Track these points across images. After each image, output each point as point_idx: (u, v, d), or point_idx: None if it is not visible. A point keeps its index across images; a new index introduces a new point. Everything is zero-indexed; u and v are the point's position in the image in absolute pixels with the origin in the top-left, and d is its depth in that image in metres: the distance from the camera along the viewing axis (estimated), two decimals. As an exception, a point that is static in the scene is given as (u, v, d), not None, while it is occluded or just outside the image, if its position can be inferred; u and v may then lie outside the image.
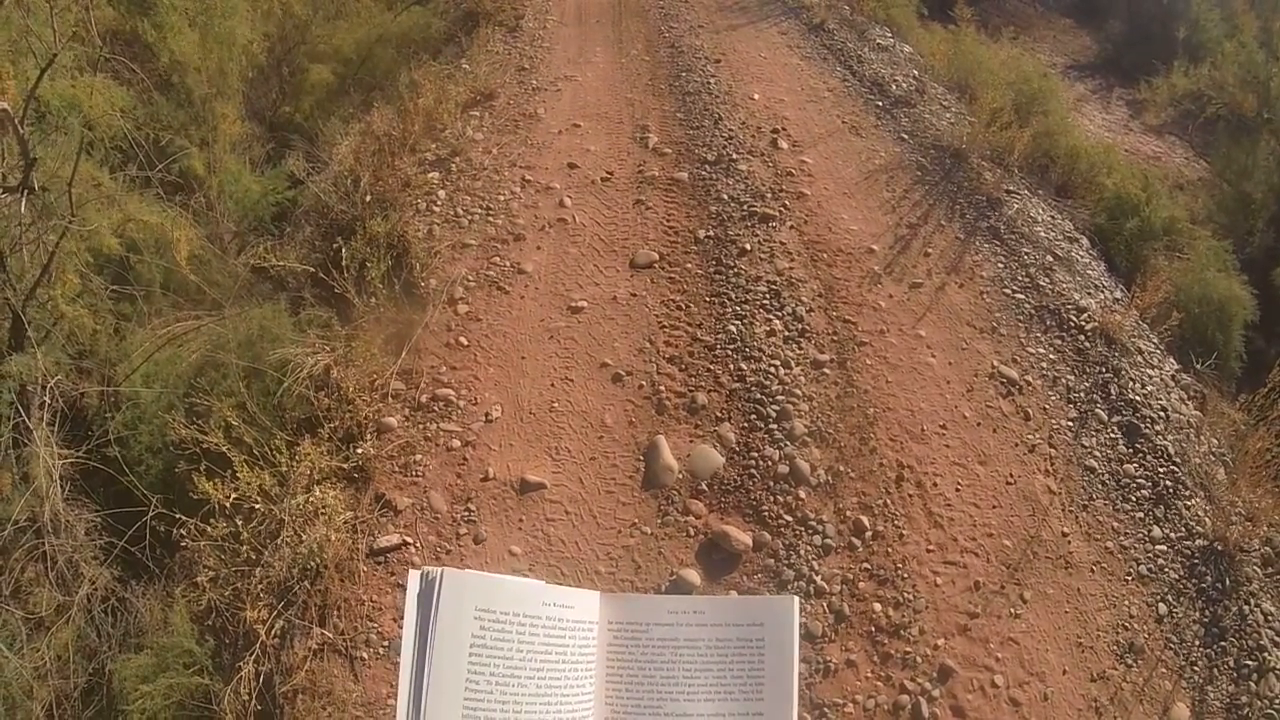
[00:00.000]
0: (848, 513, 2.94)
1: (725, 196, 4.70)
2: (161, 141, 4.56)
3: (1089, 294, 4.41)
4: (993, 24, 12.77)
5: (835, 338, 3.73)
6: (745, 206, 4.61)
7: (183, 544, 2.69)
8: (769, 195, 4.76)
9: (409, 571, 0.81)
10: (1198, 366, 4.23)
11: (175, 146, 4.65)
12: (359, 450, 3.02)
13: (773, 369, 3.49)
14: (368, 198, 4.32)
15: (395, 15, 7.14)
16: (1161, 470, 3.33)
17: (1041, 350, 3.87)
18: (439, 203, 4.64)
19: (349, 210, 4.25)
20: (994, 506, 3.05)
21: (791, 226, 4.49)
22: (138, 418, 3.31)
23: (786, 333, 3.71)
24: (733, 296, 3.92)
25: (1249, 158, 7.99)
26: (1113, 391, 3.68)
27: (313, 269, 3.77)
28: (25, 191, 3.07)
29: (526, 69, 6.69)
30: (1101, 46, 14.14)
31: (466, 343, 3.64)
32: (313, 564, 2.63)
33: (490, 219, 4.49)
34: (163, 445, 3.17)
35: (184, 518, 2.63)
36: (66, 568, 2.84)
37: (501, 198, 4.68)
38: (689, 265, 4.15)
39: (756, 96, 6.15)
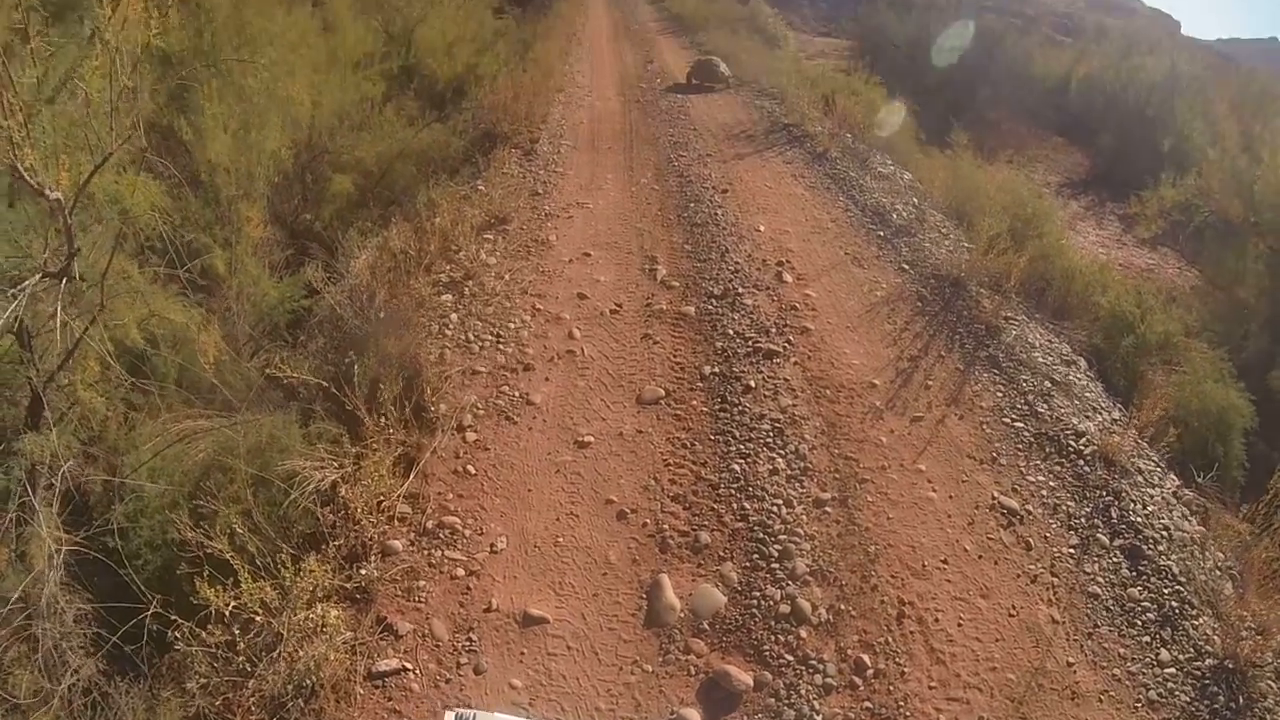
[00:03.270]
0: (849, 651, 2.99)
1: (731, 332, 4.92)
2: (187, 236, 4.85)
3: (1087, 417, 4.56)
4: (989, 146, 13.31)
5: (837, 475, 3.85)
6: (750, 342, 4.82)
7: (176, 646, 2.72)
8: (773, 330, 4.97)
9: (444, 712, 0.95)
10: (1199, 480, 4.29)
11: (200, 243, 4.93)
12: (363, 571, 3.11)
13: (775, 508, 3.60)
14: (382, 314, 4.55)
15: (416, 131, 7.61)
16: (1166, 591, 3.39)
17: (1041, 478, 3.98)
18: (451, 326, 4.87)
19: (363, 326, 4.47)
20: (997, 640, 3.10)
21: (795, 362, 4.68)
22: (140, 510, 3.39)
23: (789, 471, 3.83)
24: (737, 434, 4.07)
25: (1239, 262, 8.26)
26: (1114, 515, 3.78)
27: (325, 383, 3.96)
28: (65, 279, 3.28)
29: (540, 194, 7.09)
30: (1093, 163, 14.81)
31: (474, 471, 3.77)
32: (309, 682, 2.67)
33: (500, 347, 4.71)
34: (163, 542, 3.24)
35: (180, 620, 2.67)
36: (53, 653, 2.86)
37: (512, 325, 4.92)
38: (694, 402, 4.31)
39: (762, 228, 6.49)
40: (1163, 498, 4.05)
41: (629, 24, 21.19)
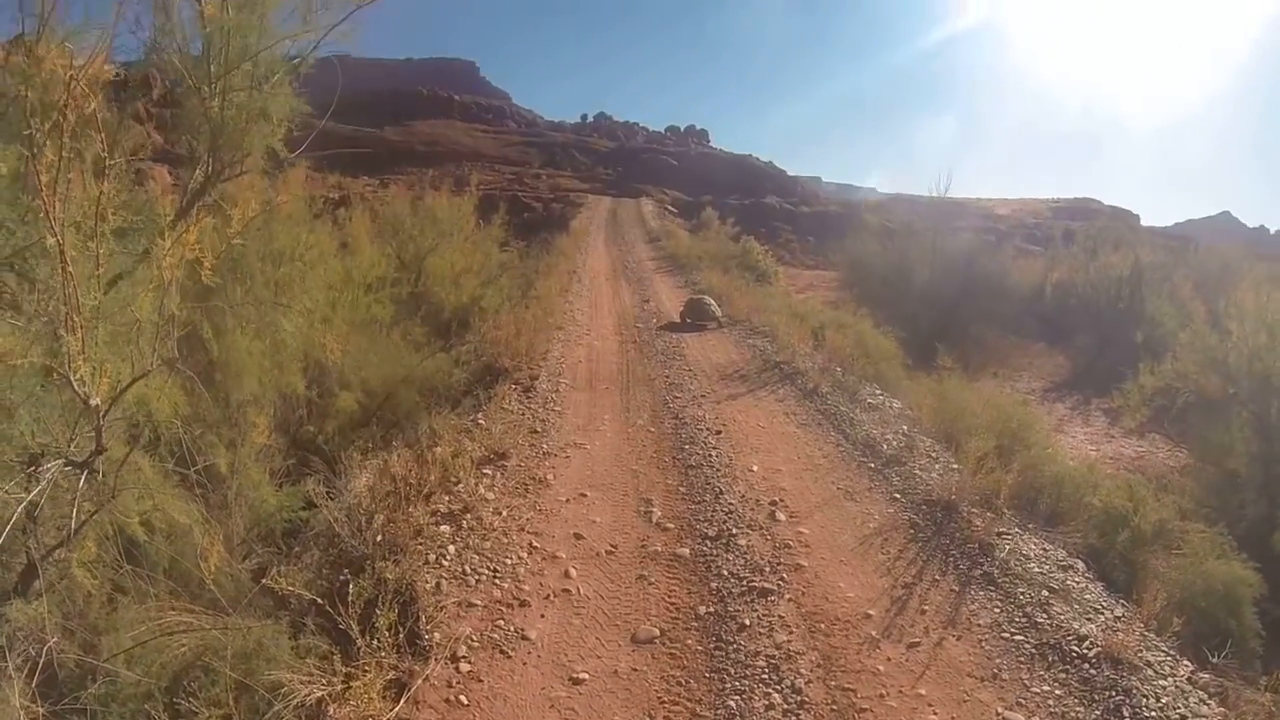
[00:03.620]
0: None
1: (725, 572, 4.95)
2: (195, 431, 5.04)
3: (1088, 619, 4.54)
4: (974, 362, 13.95)
5: (835, 707, 3.79)
6: (744, 581, 4.84)
7: None
8: (767, 569, 5.01)
9: None
10: (1214, 660, 4.24)
11: (206, 441, 5.12)
12: (348, 799, 3.04)
13: (772, 744, 3.49)
14: (380, 538, 4.67)
15: (421, 359, 8.05)
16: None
17: (1046, 688, 3.92)
18: (448, 557, 4.92)
19: (360, 546, 4.56)
20: None
21: (789, 599, 4.68)
22: (113, 695, 3.32)
23: (785, 705, 3.78)
24: (732, 672, 4.02)
25: (1225, 435, 8.34)
26: (1126, 714, 3.71)
27: (319, 599, 4.01)
28: (87, 471, 3.45)
29: (539, 432, 7.32)
30: (1074, 363, 15.50)
31: (467, 702, 3.69)
32: None
33: (497, 581, 4.74)
34: (134, 731, 3.16)
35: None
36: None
37: (509, 561, 4.97)
38: (689, 641, 4.28)
39: (755, 468, 6.64)
40: (1176, 686, 4.02)
41: (627, 262, 22.57)
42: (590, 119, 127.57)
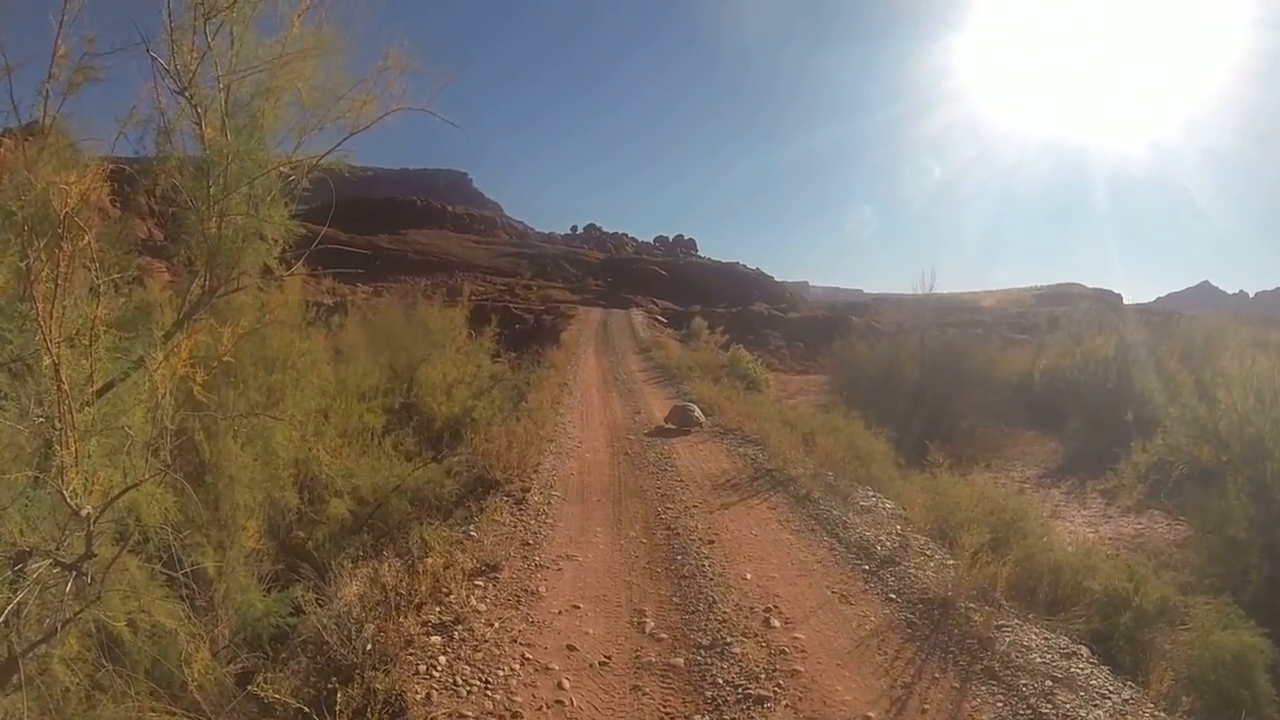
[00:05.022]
0: None
1: (720, 681, 4.92)
2: (184, 534, 5.05)
3: (1095, 705, 4.54)
4: (966, 456, 13.92)
5: None
6: (740, 689, 4.81)
7: None
8: (763, 676, 4.98)
9: None
10: None
11: (194, 543, 5.13)
12: None
13: None
14: (369, 647, 4.66)
15: (413, 468, 8.11)
16: None
17: None
18: (439, 668, 4.89)
19: (349, 655, 4.55)
20: None
21: (786, 705, 4.66)
22: None
23: None
24: None
25: (1222, 502, 8.29)
26: None
27: (305, 707, 3.99)
28: (75, 574, 3.49)
29: (530, 544, 7.33)
30: (1067, 448, 15.45)
31: None
32: None
33: (489, 693, 4.69)
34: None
35: None
36: None
37: (501, 673, 4.92)
38: None
39: (749, 576, 6.64)
40: None
41: (618, 374, 22.82)
42: (580, 230, 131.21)
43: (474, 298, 20.65)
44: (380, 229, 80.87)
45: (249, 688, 4.13)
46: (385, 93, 5.18)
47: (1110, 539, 9.90)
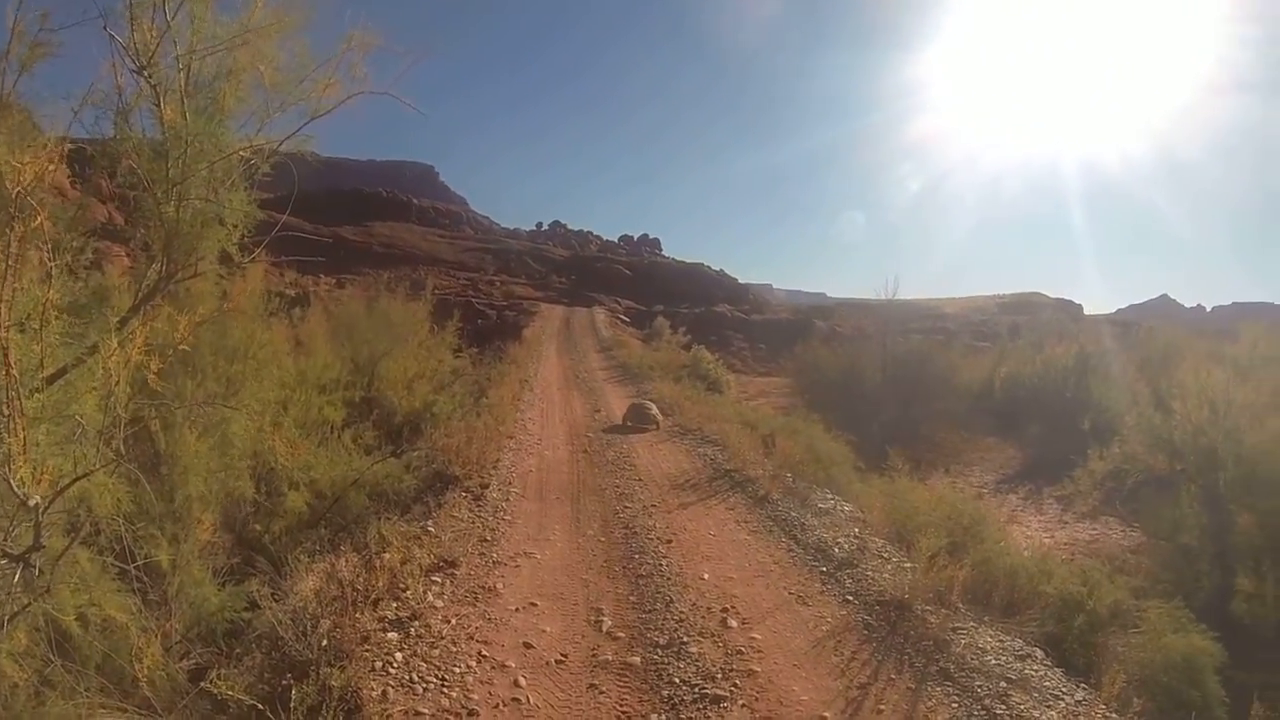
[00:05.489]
0: None
1: (677, 680, 4.92)
2: (137, 526, 4.95)
3: (1048, 706, 4.60)
4: (926, 461, 14.04)
5: None
6: (697, 689, 4.81)
7: None
8: (719, 675, 4.97)
9: None
10: None
11: (148, 535, 5.02)
12: None
13: None
14: (325, 643, 4.60)
15: (372, 463, 8.01)
16: None
17: None
18: (395, 665, 4.84)
19: (304, 651, 4.48)
20: None
21: (743, 704, 4.66)
22: None
23: None
24: None
25: (1176, 510, 8.56)
26: None
27: (259, 704, 3.93)
28: (23, 565, 3.40)
29: (489, 541, 7.30)
30: (1025, 454, 15.77)
31: None
32: None
33: (445, 690, 4.65)
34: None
35: None
36: None
37: (457, 670, 4.89)
38: None
39: (706, 576, 6.64)
40: None
41: (579, 372, 22.74)
42: (545, 226, 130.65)
43: (437, 292, 20.45)
44: (345, 220, 79.74)
45: (202, 684, 4.05)
46: (349, 76, 5.07)
47: (1066, 544, 10.13)
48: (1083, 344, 19.47)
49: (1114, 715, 4.64)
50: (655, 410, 14.23)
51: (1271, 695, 4.47)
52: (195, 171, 4.88)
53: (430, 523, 7.46)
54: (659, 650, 5.36)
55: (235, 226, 5.20)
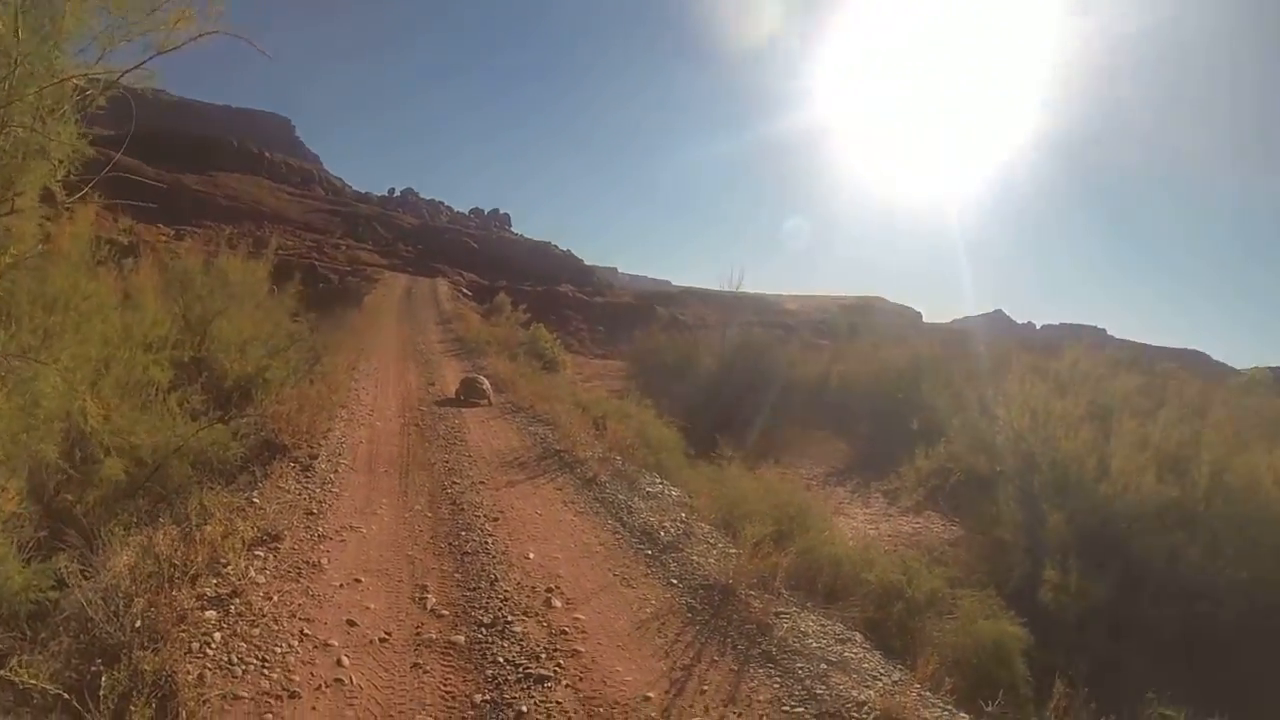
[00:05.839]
0: None
1: (501, 659, 4.87)
2: None
3: (867, 686, 4.76)
4: (756, 451, 14.09)
5: None
6: (521, 669, 4.77)
7: None
8: (544, 655, 4.95)
9: None
10: (989, 709, 4.63)
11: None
12: None
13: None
14: (138, 623, 4.31)
15: (198, 429, 7.50)
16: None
17: None
18: (214, 645, 4.59)
19: (116, 633, 4.18)
20: None
21: (567, 685, 4.64)
22: None
23: None
24: None
25: (994, 507, 9.05)
26: None
27: (66, 693, 3.65)
28: None
29: (314, 514, 7.04)
30: (855, 450, 16.08)
31: None
32: None
33: (266, 672, 4.45)
34: None
35: None
36: None
37: (279, 650, 4.68)
38: None
39: (532, 555, 6.59)
40: None
41: (417, 344, 22.17)
42: (398, 193, 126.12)
43: (280, 252, 19.31)
44: (190, 167, 73.83)
45: (1, 672, 3.71)
46: (204, 13, 4.66)
47: (889, 536, 10.41)
48: (918, 349, 20.22)
49: (928, 694, 4.80)
50: (487, 385, 14.17)
51: (1071, 674, 4.82)
52: (22, 95, 4.40)
53: (255, 494, 7.15)
54: (483, 629, 5.30)
55: (61, 162, 4.74)
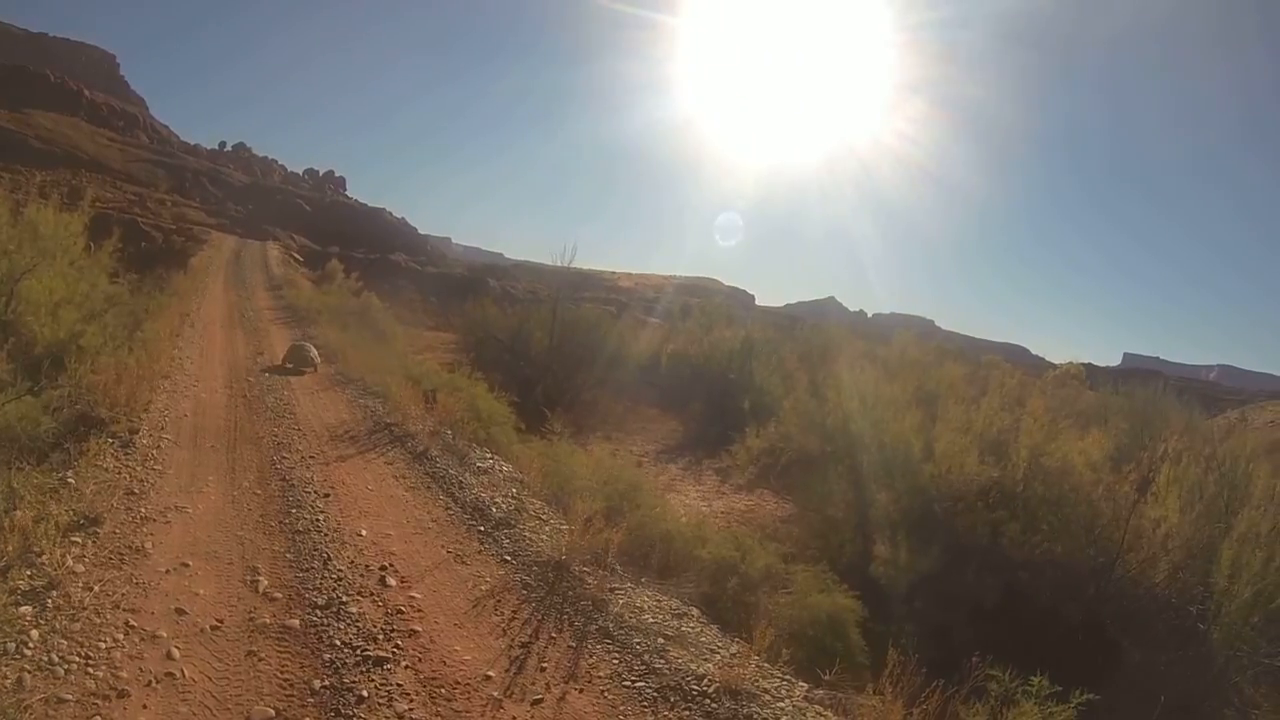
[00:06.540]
0: None
1: (338, 642, 4.61)
2: None
3: (705, 660, 4.75)
4: (587, 426, 13.82)
5: None
6: (359, 651, 4.53)
7: None
8: (381, 636, 4.72)
9: None
10: (826, 678, 4.67)
11: None
12: None
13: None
14: (-60, 625, 3.77)
15: (2, 402, 6.56)
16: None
17: None
18: (31, 645, 4.06)
19: (-88, 637, 3.65)
20: None
21: (406, 666, 4.45)
22: None
23: None
24: None
25: (824, 486, 9.12)
26: None
27: None
28: None
29: (136, 494, 6.39)
30: (687, 428, 15.69)
31: None
32: None
33: (90, 670, 4.00)
34: None
35: None
36: None
37: (103, 645, 4.22)
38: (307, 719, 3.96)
39: (364, 532, 6.25)
40: (794, 706, 4.34)
41: (245, 310, 20.65)
42: (229, 147, 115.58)
43: (98, 204, 17.13)
44: (-1, 102, 63.42)
45: None
46: None
47: (722, 513, 10.35)
48: (750, 331, 20.03)
49: (766, 665, 4.82)
50: (314, 353, 13.48)
51: (903, 642, 4.81)
52: None
53: (70, 473, 6.32)
54: (318, 611, 4.99)
55: None
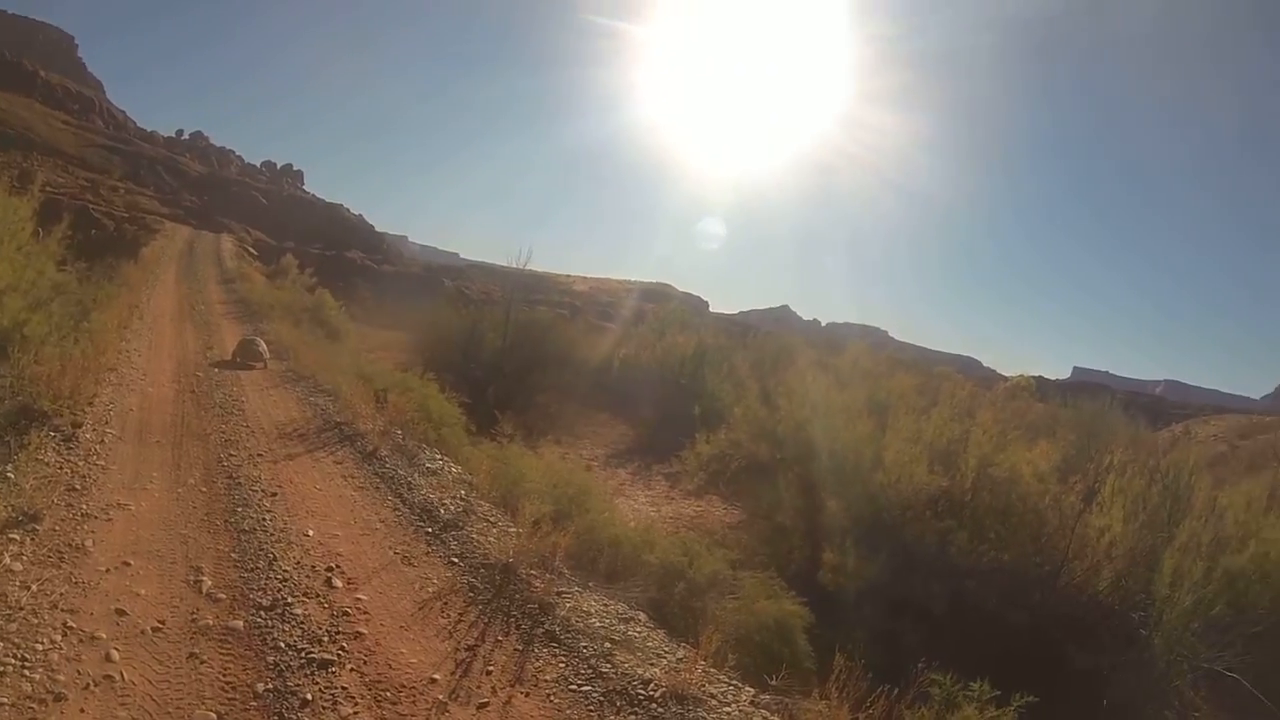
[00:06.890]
0: None
1: (282, 644, 4.49)
2: None
3: (652, 664, 4.69)
4: (538, 430, 13.40)
5: None
6: (303, 653, 4.42)
7: None
8: (326, 639, 4.61)
9: None
10: (773, 683, 4.65)
11: None
12: None
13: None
14: None
15: (-59, 394, 6.30)
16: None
17: None
18: None
19: None
20: None
21: (352, 669, 4.35)
22: None
23: None
24: None
25: (774, 493, 8.98)
26: None
27: None
28: None
29: (78, 490, 6.17)
30: (638, 433, 15.51)
31: None
32: None
33: (26, 673, 3.84)
34: None
35: None
36: None
37: (40, 647, 4.05)
38: None
39: (311, 533, 6.11)
40: (740, 711, 4.31)
41: (196, 303, 20.14)
42: (186, 135, 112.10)
43: (48, 189, 16.47)
44: (-55, 80, 60.50)
45: None
46: None
47: (671, 519, 10.26)
48: (703, 337, 19.66)
49: (713, 670, 4.77)
50: (264, 348, 13.22)
51: (850, 648, 4.67)
52: None
53: (9, 467, 6.05)
54: (263, 613, 4.86)
55: None
